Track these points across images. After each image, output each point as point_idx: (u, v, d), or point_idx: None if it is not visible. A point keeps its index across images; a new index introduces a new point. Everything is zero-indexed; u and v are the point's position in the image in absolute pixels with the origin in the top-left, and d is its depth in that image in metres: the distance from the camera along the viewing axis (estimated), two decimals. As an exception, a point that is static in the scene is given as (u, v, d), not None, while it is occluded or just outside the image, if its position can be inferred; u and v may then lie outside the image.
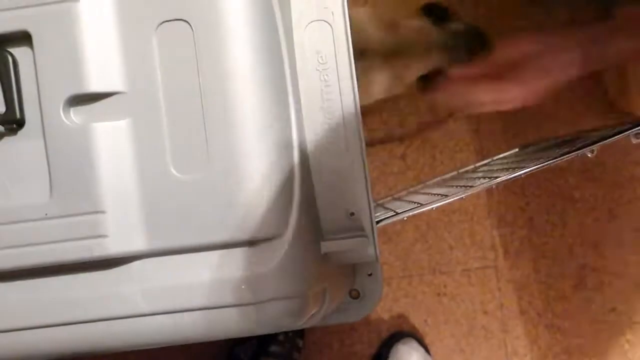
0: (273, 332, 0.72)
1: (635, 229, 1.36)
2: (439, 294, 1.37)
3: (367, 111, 0.85)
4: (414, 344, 1.33)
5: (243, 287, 0.68)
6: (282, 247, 0.69)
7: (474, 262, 1.37)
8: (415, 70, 1.03)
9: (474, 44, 1.04)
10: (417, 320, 1.37)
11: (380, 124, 1.38)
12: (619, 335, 1.36)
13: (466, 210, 1.38)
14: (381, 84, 1.03)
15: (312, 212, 0.76)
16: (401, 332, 1.35)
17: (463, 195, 0.81)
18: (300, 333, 1.34)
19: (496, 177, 0.82)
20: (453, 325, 1.37)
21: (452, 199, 0.81)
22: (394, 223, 1.36)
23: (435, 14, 1.06)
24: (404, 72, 1.03)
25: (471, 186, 0.82)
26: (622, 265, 1.36)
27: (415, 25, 1.04)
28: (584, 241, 1.37)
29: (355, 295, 0.99)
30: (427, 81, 1.04)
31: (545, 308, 1.36)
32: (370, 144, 1.33)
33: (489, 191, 1.38)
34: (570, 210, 1.37)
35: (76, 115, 0.68)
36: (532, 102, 0.99)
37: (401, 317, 1.37)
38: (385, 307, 1.38)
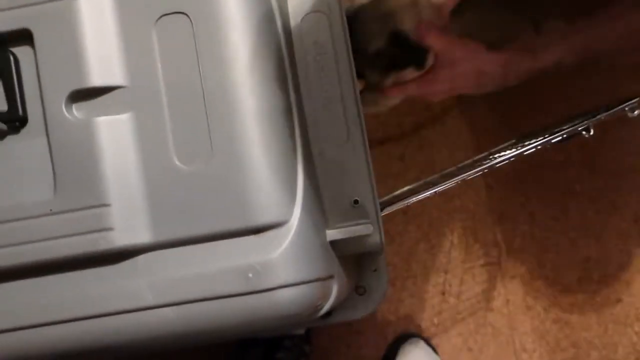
0: (283, 323, 0.72)
1: (637, 219, 1.36)
2: (444, 293, 1.37)
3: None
4: (421, 344, 1.32)
5: (250, 275, 0.68)
6: (287, 234, 0.70)
7: (478, 259, 1.37)
8: None
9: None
10: (423, 320, 1.37)
11: (378, 125, 1.39)
12: (627, 327, 1.35)
13: (467, 209, 1.38)
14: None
15: (317, 201, 0.77)
16: (408, 333, 1.34)
17: (463, 177, 0.82)
18: (307, 338, 1.33)
19: (491, 161, 0.83)
20: (460, 324, 1.36)
21: (449, 184, 0.82)
22: (396, 223, 1.38)
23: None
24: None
25: (468, 172, 0.83)
26: (625, 256, 1.36)
27: None
28: (586, 234, 1.36)
29: (361, 291, 1.00)
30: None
31: (551, 302, 1.36)
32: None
33: (489, 188, 1.38)
34: (571, 203, 1.37)
35: (78, 111, 0.69)
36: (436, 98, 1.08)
37: (407, 318, 1.37)
38: (390, 308, 1.37)
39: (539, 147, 0.84)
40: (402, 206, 0.86)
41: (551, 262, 1.36)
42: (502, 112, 1.39)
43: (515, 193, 1.38)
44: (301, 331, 1.31)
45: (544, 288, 1.36)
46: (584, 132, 0.87)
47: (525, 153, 0.84)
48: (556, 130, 0.91)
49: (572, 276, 1.36)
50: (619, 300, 1.35)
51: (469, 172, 0.84)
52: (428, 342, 1.34)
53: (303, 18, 0.79)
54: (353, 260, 0.96)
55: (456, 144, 1.38)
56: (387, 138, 1.39)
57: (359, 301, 1.01)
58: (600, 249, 1.36)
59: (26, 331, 0.70)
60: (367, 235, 0.79)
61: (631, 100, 0.85)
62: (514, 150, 0.86)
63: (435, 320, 1.37)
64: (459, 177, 0.84)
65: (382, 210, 0.82)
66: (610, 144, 1.37)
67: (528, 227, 1.37)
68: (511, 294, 1.36)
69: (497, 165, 0.84)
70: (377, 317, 1.37)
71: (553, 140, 0.86)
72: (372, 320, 1.37)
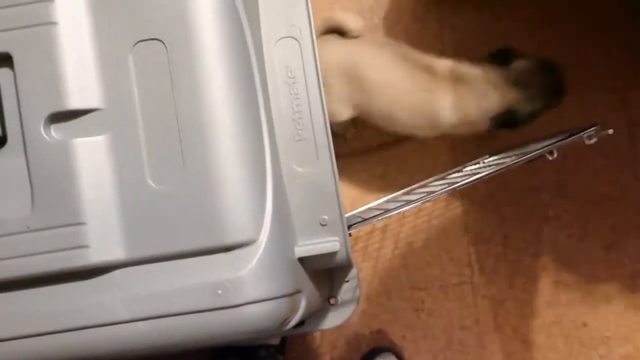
0: (252, 336, 0.75)
1: (605, 246, 1.40)
2: (417, 310, 1.40)
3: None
4: (392, 359, 1.34)
5: (219, 292, 0.71)
6: (256, 252, 0.73)
7: (451, 278, 1.40)
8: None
9: (545, 80, 1.13)
10: (395, 335, 1.39)
11: (361, 144, 1.42)
12: (591, 350, 1.38)
13: (443, 228, 1.41)
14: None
15: (286, 219, 0.80)
16: (380, 348, 1.36)
17: (428, 199, 0.85)
18: (282, 349, 1.35)
19: (459, 182, 0.86)
20: (431, 340, 1.39)
21: (417, 204, 0.85)
22: (373, 240, 1.40)
23: (500, 57, 1.14)
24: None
25: (433, 192, 0.86)
26: (593, 282, 1.39)
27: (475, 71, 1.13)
28: (557, 258, 1.40)
29: (333, 302, 1.02)
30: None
31: (520, 323, 1.39)
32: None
33: (465, 209, 1.40)
34: (544, 227, 1.40)
35: (56, 132, 0.72)
36: None
37: (380, 332, 1.39)
38: (364, 323, 1.40)
39: (503, 170, 0.88)
40: (368, 224, 0.88)
41: (522, 283, 1.39)
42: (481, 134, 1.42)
43: (490, 215, 1.41)
44: (276, 341, 1.33)
45: (514, 309, 1.39)
46: (547, 155, 0.91)
47: (488, 176, 0.87)
48: (520, 153, 0.95)
49: (542, 299, 1.39)
50: (585, 324, 1.39)
51: (435, 193, 0.87)
52: (399, 356, 1.36)
53: (275, 43, 0.82)
54: (324, 272, 0.98)
55: (436, 163, 1.41)
56: (369, 156, 1.42)
57: (332, 311, 1.03)
58: (569, 274, 1.39)
59: (1, 344, 0.73)
60: (335, 252, 0.82)
61: (589, 128, 0.89)
62: (476, 174, 0.89)
63: (407, 336, 1.39)
64: (425, 198, 0.87)
65: (349, 228, 0.85)
66: (584, 173, 1.40)
67: (501, 249, 1.40)
68: (482, 313, 1.39)
69: (461, 187, 0.87)
70: (351, 331, 1.39)
71: (517, 164, 0.89)
72: (346, 333, 1.39)
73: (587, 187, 1.41)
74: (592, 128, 0.90)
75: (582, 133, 0.90)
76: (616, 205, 1.41)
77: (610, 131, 0.88)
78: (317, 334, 1.39)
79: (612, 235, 1.40)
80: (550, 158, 0.90)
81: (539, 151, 0.90)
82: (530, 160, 0.91)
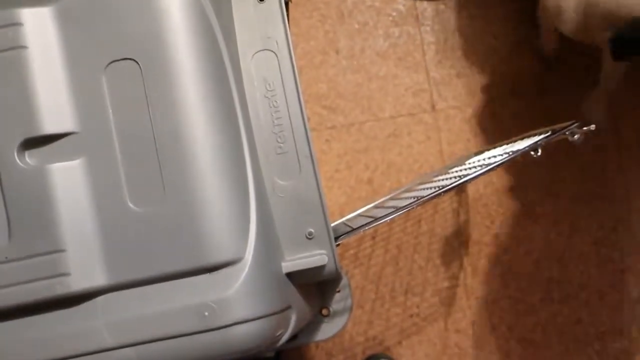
0: (243, 355, 0.73)
1: (596, 242, 1.40)
2: (411, 315, 1.39)
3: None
4: (389, 366, 1.34)
5: (206, 313, 0.69)
6: (241, 271, 0.71)
7: (444, 281, 1.39)
8: None
9: None
10: (391, 341, 1.39)
11: (347, 150, 1.41)
12: (586, 345, 1.38)
13: (434, 232, 1.40)
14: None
15: (271, 235, 0.79)
16: (376, 355, 1.36)
17: (417, 204, 0.84)
18: (277, 361, 1.35)
19: (447, 185, 0.86)
20: (427, 345, 1.39)
21: (404, 211, 0.84)
22: (364, 247, 1.40)
23: None
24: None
25: (420, 196, 0.85)
26: (585, 277, 1.39)
27: None
28: (548, 255, 1.40)
29: (325, 313, 1.01)
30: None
31: (515, 322, 1.39)
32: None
33: (455, 212, 1.40)
34: (534, 226, 1.40)
35: (31, 158, 0.70)
36: None
37: (376, 339, 1.39)
38: (359, 330, 1.39)
39: (489, 171, 0.87)
40: (357, 234, 0.87)
41: (515, 282, 1.39)
42: (467, 137, 1.41)
43: (480, 217, 1.41)
44: (271, 353, 1.32)
45: (508, 308, 1.39)
46: (532, 153, 0.90)
47: (476, 178, 0.86)
48: (504, 152, 0.94)
49: (535, 296, 1.39)
50: (579, 320, 1.38)
51: (423, 198, 0.85)
52: (396, 363, 1.36)
53: (252, 57, 0.81)
54: (315, 284, 0.97)
55: (423, 167, 1.41)
56: (356, 162, 1.41)
57: (325, 322, 1.02)
58: (561, 270, 1.39)
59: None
60: (323, 265, 0.80)
61: (569, 125, 0.89)
62: (462, 176, 0.88)
63: (403, 342, 1.39)
64: (413, 204, 0.86)
65: (337, 239, 0.84)
66: (570, 170, 1.40)
67: (492, 250, 1.40)
68: (476, 315, 1.38)
69: (449, 190, 0.86)
70: (346, 339, 1.39)
71: (503, 163, 0.88)
72: (342, 342, 1.39)
73: (574, 184, 1.41)
74: (573, 124, 0.89)
75: (564, 130, 0.89)
76: (603, 200, 1.41)
77: (593, 127, 0.87)
78: (313, 345, 1.38)
79: (600, 230, 1.40)
80: (534, 155, 0.90)
81: (523, 149, 0.89)
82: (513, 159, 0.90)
